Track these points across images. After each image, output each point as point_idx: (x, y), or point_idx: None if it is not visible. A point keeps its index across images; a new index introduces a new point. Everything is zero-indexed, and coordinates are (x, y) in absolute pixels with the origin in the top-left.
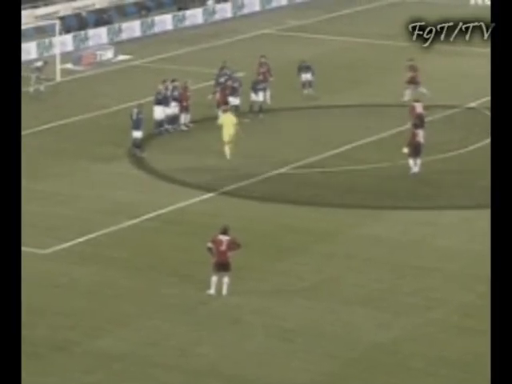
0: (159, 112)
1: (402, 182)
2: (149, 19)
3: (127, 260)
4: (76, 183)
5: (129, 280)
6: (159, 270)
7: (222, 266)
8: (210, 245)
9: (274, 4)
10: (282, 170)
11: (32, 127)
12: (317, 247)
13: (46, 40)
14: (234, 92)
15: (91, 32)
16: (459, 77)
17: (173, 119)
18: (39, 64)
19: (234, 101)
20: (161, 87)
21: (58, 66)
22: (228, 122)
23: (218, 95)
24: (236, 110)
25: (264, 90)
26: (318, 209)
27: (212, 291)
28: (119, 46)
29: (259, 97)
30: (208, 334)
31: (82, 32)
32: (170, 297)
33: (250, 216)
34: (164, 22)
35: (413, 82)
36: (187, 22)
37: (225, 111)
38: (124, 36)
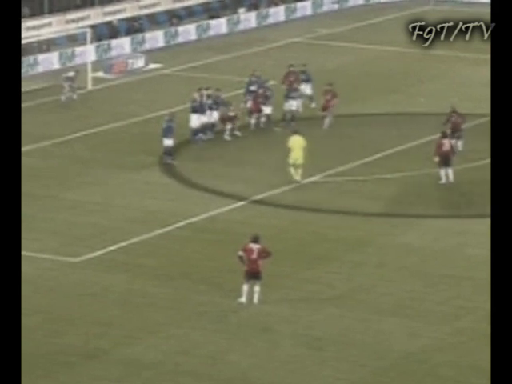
0: (195, 120)
1: (433, 191)
2: (172, 29)
3: (158, 268)
4: (107, 192)
5: (159, 288)
6: (190, 279)
7: (253, 275)
8: (240, 253)
9: (298, 13)
10: (314, 179)
11: (63, 135)
12: (348, 255)
13: (69, 50)
14: (265, 100)
15: (114, 42)
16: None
17: (207, 127)
18: (71, 74)
19: (265, 109)
20: (196, 95)
21: (90, 75)
22: (296, 145)
23: (249, 103)
24: (268, 118)
25: (297, 98)
26: (349, 217)
27: (243, 299)
28: (150, 54)
29: (292, 105)
30: (238, 343)
31: (106, 42)
32: (200, 305)
33: (281, 224)
34: (188, 31)
35: (325, 108)
36: (211, 32)
37: (293, 133)
38: (148, 46)
